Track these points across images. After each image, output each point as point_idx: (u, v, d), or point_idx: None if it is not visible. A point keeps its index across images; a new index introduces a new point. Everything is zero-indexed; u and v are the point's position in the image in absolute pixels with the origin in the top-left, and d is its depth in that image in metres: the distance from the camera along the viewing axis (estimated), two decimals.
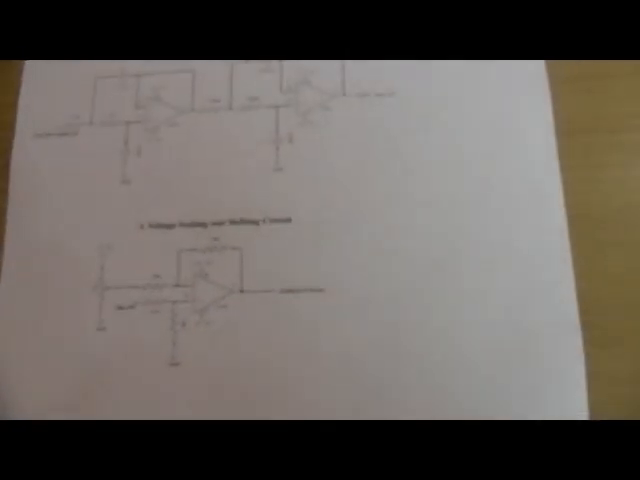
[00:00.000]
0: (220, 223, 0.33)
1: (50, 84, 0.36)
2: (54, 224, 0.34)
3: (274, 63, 0.35)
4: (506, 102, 0.34)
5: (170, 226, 0.34)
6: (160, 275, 0.33)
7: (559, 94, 0.33)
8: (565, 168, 0.32)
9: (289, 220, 0.33)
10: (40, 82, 0.36)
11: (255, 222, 0.33)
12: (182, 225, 0.33)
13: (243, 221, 0.33)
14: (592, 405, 0.30)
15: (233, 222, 0.33)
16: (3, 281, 0.34)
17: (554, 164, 0.33)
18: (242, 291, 0.32)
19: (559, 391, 0.31)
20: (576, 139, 0.33)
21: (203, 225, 0.33)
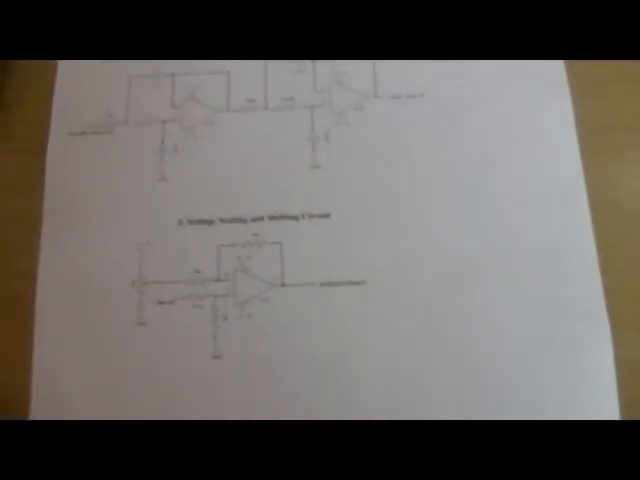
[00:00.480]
0: (259, 219, 0.34)
1: (84, 82, 0.36)
2: (91, 222, 0.34)
3: (307, 64, 0.36)
4: (529, 101, 0.35)
5: (209, 222, 0.34)
6: (200, 270, 0.33)
7: (579, 92, 0.35)
8: (587, 164, 0.34)
9: (328, 215, 0.34)
10: (74, 80, 0.36)
11: (294, 217, 0.34)
12: (222, 221, 0.34)
13: (283, 217, 0.34)
14: (622, 397, 0.31)
15: (272, 218, 0.34)
16: (40, 280, 0.33)
17: (577, 160, 0.34)
18: (283, 285, 0.33)
19: (588, 387, 0.31)
20: (598, 137, 0.35)
21: (243, 221, 0.34)
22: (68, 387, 0.32)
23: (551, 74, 0.36)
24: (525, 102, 0.35)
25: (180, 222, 0.34)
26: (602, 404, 0.31)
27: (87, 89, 0.36)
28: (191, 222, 0.34)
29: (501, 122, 0.35)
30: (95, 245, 0.34)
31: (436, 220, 0.34)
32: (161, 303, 0.33)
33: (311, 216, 0.34)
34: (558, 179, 0.34)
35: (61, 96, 0.36)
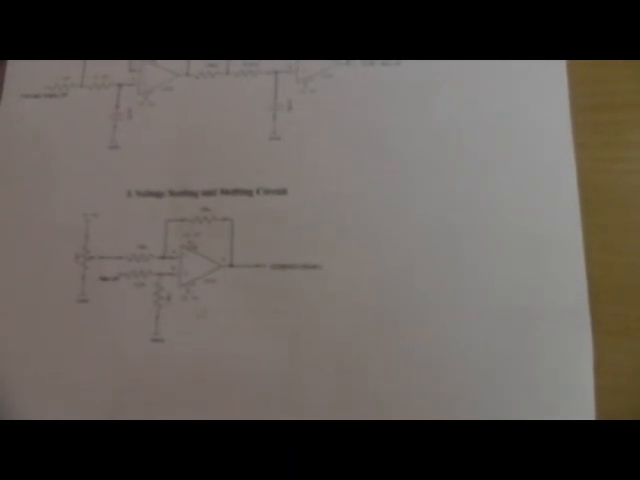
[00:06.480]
0: (211, 193, 0.31)
1: None
2: (39, 188, 0.32)
3: None
4: (521, 76, 0.31)
5: (159, 194, 0.32)
6: (146, 246, 0.31)
7: (575, 68, 0.31)
8: (580, 147, 0.30)
9: (284, 191, 0.31)
10: None
11: (248, 192, 0.31)
12: (171, 194, 0.32)
13: (236, 191, 0.31)
14: (598, 401, 0.28)
15: (225, 192, 0.31)
16: None
17: (568, 141, 0.30)
18: (232, 265, 0.30)
19: (563, 387, 0.28)
20: (593, 116, 0.30)
21: (193, 194, 0.31)
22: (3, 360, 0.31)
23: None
24: (515, 75, 0.31)
25: (129, 193, 0.32)
26: (578, 403, 0.28)
27: None
28: (140, 194, 0.32)
29: (483, 94, 0.31)
30: (42, 214, 0.32)
31: (406, 203, 0.30)
32: (104, 279, 0.31)
33: (266, 192, 0.31)
34: (546, 159, 0.30)
35: None
